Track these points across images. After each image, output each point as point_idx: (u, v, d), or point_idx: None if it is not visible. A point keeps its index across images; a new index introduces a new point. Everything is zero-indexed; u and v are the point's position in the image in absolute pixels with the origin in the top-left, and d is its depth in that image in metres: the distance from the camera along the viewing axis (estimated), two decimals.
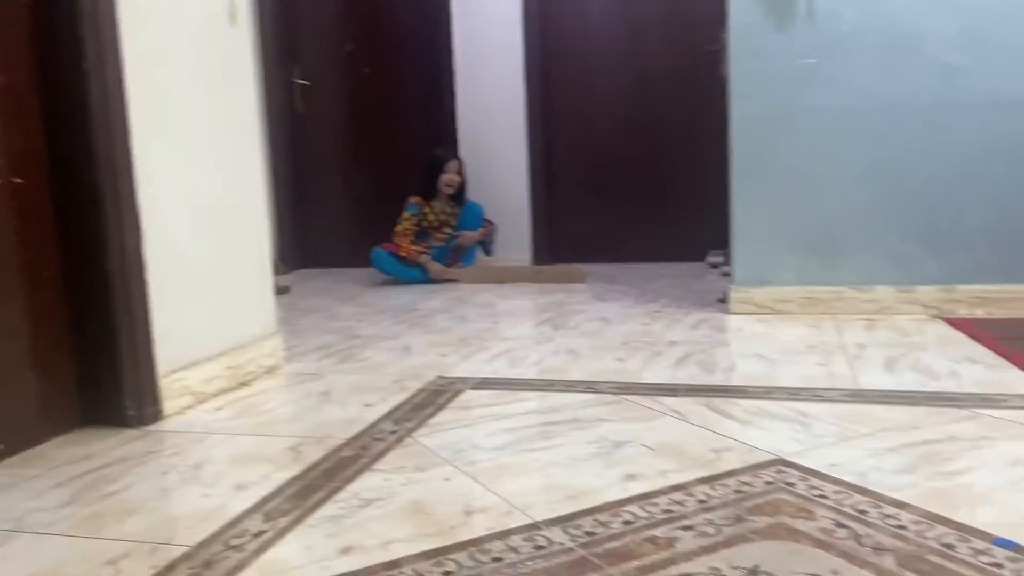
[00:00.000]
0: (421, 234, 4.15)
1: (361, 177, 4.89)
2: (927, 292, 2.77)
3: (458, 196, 4.19)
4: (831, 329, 2.62)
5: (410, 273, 4.03)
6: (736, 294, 2.94)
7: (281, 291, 3.46)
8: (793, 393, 1.93)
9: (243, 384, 2.22)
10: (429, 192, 4.16)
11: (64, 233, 1.85)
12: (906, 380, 2.00)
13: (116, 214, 1.84)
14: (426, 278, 4.03)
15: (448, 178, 4.11)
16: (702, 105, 4.31)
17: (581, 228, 4.60)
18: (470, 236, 4.17)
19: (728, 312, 2.95)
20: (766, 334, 2.60)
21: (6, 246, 1.73)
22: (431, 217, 4.17)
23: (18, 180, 1.75)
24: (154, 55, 1.96)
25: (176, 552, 1.25)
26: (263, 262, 2.41)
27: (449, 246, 4.19)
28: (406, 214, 4.13)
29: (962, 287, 2.74)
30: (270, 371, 2.35)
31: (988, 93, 2.64)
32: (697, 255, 4.39)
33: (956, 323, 2.60)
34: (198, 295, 2.10)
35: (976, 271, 2.73)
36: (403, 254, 4.03)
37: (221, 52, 2.20)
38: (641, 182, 4.51)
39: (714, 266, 4.22)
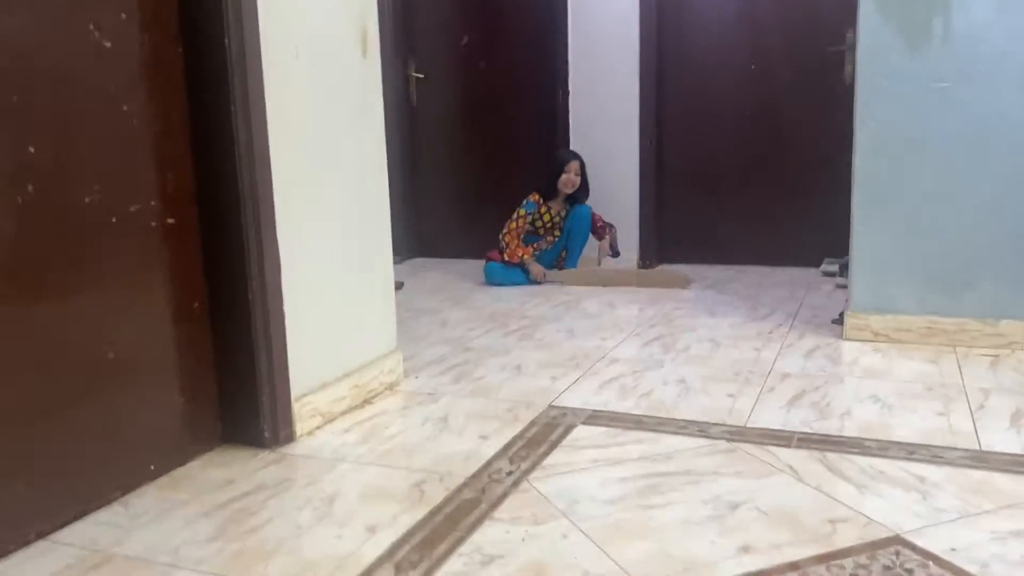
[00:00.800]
0: (531, 236, 4.19)
1: (472, 170, 4.97)
2: None
3: (574, 197, 4.21)
4: (952, 365, 2.55)
5: (516, 276, 4.08)
6: (852, 320, 2.89)
7: (395, 287, 3.57)
8: (911, 451, 1.90)
9: (366, 402, 2.34)
10: (549, 192, 4.19)
11: (209, 266, 1.98)
12: None
13: (258, 251, 1.95)
14: (529, 279, 4.08)
15: (568, 179, 4.14)
16: (822, 107, 4.19)
17: (691, 228, 4.56)
18: (604, 247, 4.20)
19: (843, 338, 2.90)
20: (883, 369, 2.55)
21: (159, 282, 1.87)
22: (546, 217, 4.22)
23: (171, 220, 1.89)
24: (293, 94, 2.05)
25: None
26: (387, 282, 2.51)
27: (558, 250, 4.23)
28: (521, 211, 4.18)
29: None
30: (391, 387, 2.46)
31: None
32: (810, 260, 4.30)
33: None
34: (329, 320, 2.22)
35: None
36: (507, 258, 4.10)
37: (353, 86, 2.28)
38: (754, 183, 4.43)
39: (828, 274, 4.13)
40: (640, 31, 4.37)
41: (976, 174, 2.68)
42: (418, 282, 4.24)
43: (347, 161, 2.28)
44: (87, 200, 1.68)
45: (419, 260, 4.98)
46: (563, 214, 4.24)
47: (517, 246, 4.12)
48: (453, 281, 4.27)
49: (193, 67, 1.89)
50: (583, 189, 4.22)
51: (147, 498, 1.78)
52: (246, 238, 1.94)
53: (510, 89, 4.79)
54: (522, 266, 4.08)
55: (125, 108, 1.76)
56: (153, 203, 1.84)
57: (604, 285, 4.00)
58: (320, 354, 2.19)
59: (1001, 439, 1.97)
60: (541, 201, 4.19)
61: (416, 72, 4.88)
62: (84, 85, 1.67)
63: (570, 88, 4.51)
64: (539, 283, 4.07)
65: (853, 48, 3.45)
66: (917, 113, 2.70)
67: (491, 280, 4.09)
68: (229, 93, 1.89)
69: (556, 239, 4.24)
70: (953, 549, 1.46)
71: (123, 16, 1.73)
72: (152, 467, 1.86)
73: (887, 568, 1.41)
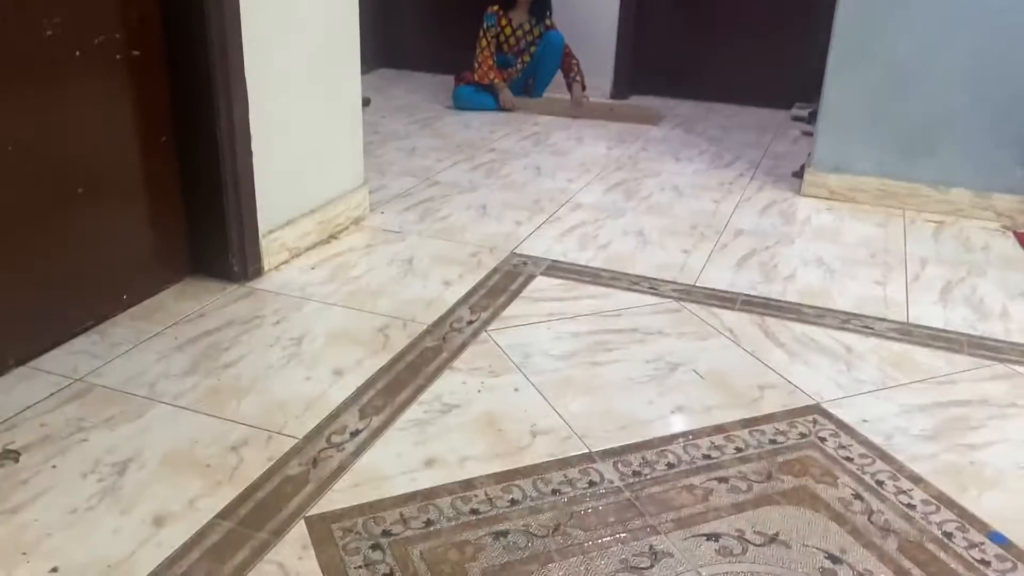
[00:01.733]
0: (502, 59, 4.09)
1: None
2: (1004, 200, 2.76)
3: (537, 11, 4.04)
4: (898, 230, 2.67)
5: (486, 101, 4.03)
6: (811, 177, 2.96)
7: (362, 102, 3.51)
8: (844, 320, 2.04)
9: (332, 237, 2.40)
10: (507, 2, 4.02)
11: (177, 101, 1.96)
12: (956, 317, 2.09)
13: (226, 87, 1.93)
14: (498, 105, 4.03)
15: None
16: None
17: (666, 61, 4.48)
18: (578, 92, 4.08)
19: (800, 193, 2.98)
20: (833, 229, 2.66)
21: (124, 114, 1.85)
22: (507, 31, 4.06)
23: (135, 52, 1.84)
24: None
25: (287, 444, 1.48)
26: (355, 116, 2.49)
27: (525, 77, 4.15)
28: (482, 30, 4.02)
29: None
30: (357, 222, 2.52)
31: None
32: (781, 103, 4.30)
33: None
34: (297, 156, 2.22)
35: None
36: (477, 78, 4.02)
37: None
38: (733, 20, 4.31)
39: (797, 119, 4.15)
40: None
41: (954, 45, 2.67)
42: (385, 99, 4.17)
43: None
44: (48, 34, 1.63)
45: (386, 71, 4.85)
46: (529, 31, 4.07)
47: (490, 68, 4.02)
48: (421, 100, 4.21)
49: None
50: (543, 3, 4.03)
51: (121, 327, 1.86)
52: (213, 72, 1.91)
53: None
54: (492, 89, 4.01)
55: None
56: (117, 35, 1.78)
57: (575, 117, 3.98)
58: (288, 190, 2.22)
59: (928, 312, 2.12)
60: (501, 12, 4.03)
61: None
62: None
63: None
64: (508, 111, 4.02)
65: None
66: None
67: (459, 105, 4.03)
68: None
69: (525, 65, 4.14)
70: (864, 420, 1.63)
71: None
72: (125, 296, 1.93)
73: (803, 436, 1.57)
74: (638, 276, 2.25)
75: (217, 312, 1.94)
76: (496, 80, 4.01)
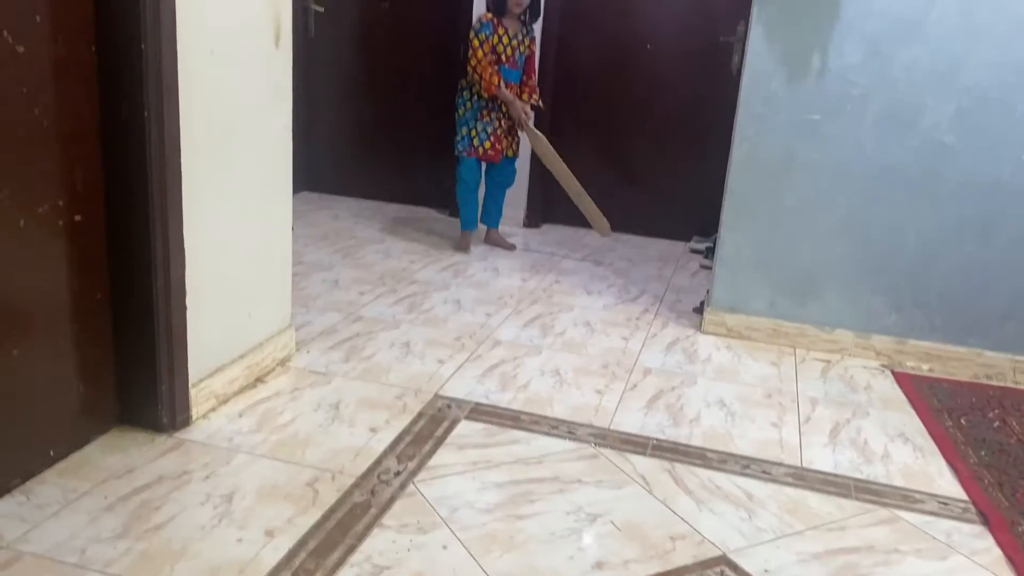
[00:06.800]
0: (504, 72, 3.81)
1: (367, 109, 4.95)
2: (882, 341, 3.04)
3: (530, 17, 3.83)
4: (790, 370, 2.90)
5: (471, 200, 4.01)
6: (711, 315, 3.19)
7: None
8: (745, 466, 2.21)
9: (259, 380, 2.46)
10: (499, 8, 3.74)
11: (115, 258, 2.02)
12: (844, 460, 2.29)
13: (164, 246, 2.01)
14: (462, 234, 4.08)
15: None
16: (710, 92, 4.41)
17: None
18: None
19: (701, 331, 3.21)
20: (731, 368, 2.87)
21: (64, 277, 1.90)
22: (505, 40, 3.76)
23: (78, 217, 1.91)
24: (206, 91, 2.07)
25: None
26: (285, 262, 2.59)
27: (518, 78, 3.91)
28: (481, 35, 3.69)
29: (913, 342, 3.02)
30: (283, 363, 2.58)
31: (971, 173, 2.83)
32: (681, 235, 4.61)
33: (902, 380, 2.89)
34: (228, 305, 2.30)
35: (928, 329, 3.00)
36: (484, 92, 3.75)
37: (265, 74, 2.31)
38: (639, 157, 4.65)
39: (695, 251, 4.45)
40: None
41: (831, 200, 2.98)
42: (308, 226, 4.28)
43: (255, 149, 2.32)
44: None
45: (307, 195, 4.97)
46: (521, 41, 3.83)
47: (492, 73, 3.71)
48: (344, 227, 4.33)
49: (107, 69, 1.88)
50: (535, 6, 3.84)
51: (48, 486, 1.86)
52: (153, 234, 1.99)
53: (412, 35, 4.76)
54: (498, 97, 3.77)
55: (36, 111, 1.75)
56: (61, 202, 1.85)
57: (556, 175, 3.99)
58: (218, 339, 2.28)
59: (819, 455, 2.31)
60: (496, 20, 3.75)
61: (316, 4, 4.76)
62: None
63: None
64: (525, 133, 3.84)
65: (742, 40, 3.67)
66: (788, 140, 2.95)
67: (460, 175, 3.99)
68: (143, 95, 1.90)
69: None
70: (766, 571, 1.77)
71: (37, 19, 1.71)
72: (52, 452, 1.94)
73: None
74: (556, 419, 2.38)
75: (146, 467, 1.97)
76: (501, 86, 3.71)
